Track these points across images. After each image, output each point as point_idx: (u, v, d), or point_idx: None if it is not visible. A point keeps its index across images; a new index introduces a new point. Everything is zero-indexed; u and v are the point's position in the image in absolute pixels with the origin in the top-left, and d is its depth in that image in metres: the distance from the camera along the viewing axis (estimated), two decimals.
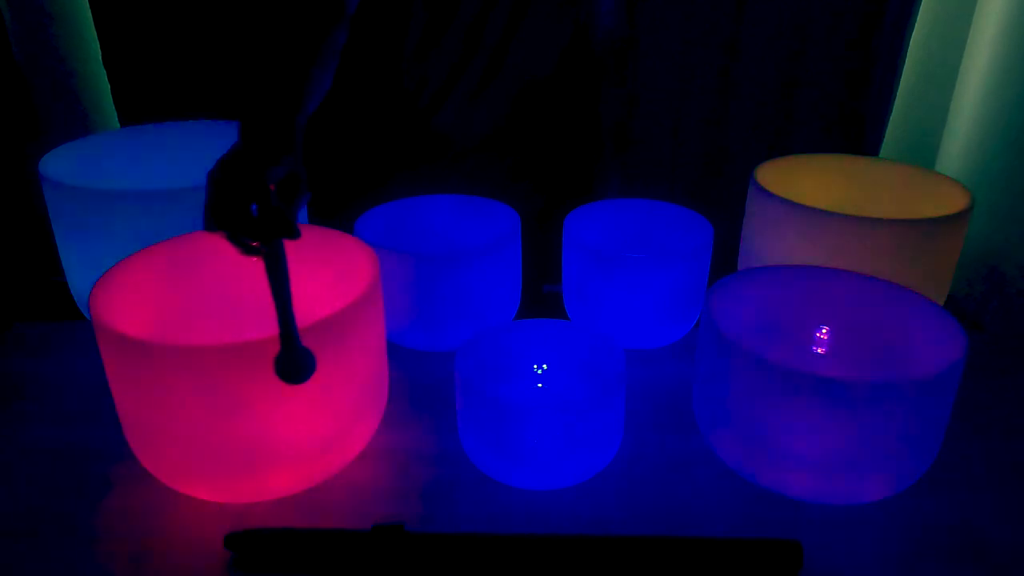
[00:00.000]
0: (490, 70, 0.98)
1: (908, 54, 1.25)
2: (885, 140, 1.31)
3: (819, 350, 0.71)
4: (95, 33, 1.28)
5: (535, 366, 0.71)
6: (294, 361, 0.52)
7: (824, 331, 0.71)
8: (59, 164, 0.77)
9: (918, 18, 1.22)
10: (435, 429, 0.69)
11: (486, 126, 1.03)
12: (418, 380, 0.76)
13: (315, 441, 0.57)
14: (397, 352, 0.79)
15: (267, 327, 0.53)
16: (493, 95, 1.00)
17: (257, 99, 0.61)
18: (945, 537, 0.58)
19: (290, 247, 0.56)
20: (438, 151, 1.05)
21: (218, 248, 0.67)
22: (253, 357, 0.51)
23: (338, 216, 0.81)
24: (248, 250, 0.56)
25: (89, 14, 1.26)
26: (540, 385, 0.71)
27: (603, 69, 1.10)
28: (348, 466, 0.63)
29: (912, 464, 0.58)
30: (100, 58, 1.29)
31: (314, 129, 1.00)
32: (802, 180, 0.90)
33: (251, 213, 0.55)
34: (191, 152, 0.91)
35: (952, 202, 0.79)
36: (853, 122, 1.27)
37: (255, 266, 0.69)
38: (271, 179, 0.56)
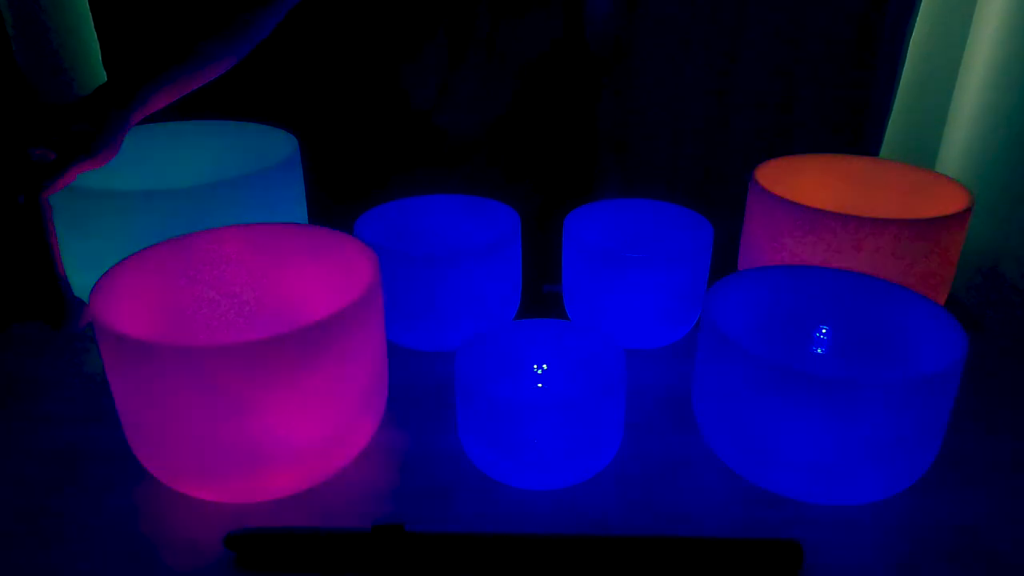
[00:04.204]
0: (486, 69, 0.98)
1: (908, 54, 1.24)
2: (885, 140, 1.31)
3: (819, 350, 0.71)
4: (95, 34, 1.28)
5: (535, 366, 0.71)
6: (65, 304, 0.49)
7: (824, 331, 0.71)
8: None
9: (918, 18, 1.22)
10: (435, 429, 0.69)
11: (484, 126, 1.03)
12: (418, 380, 0.76)
13: (315, 441, 0.57)
14: (397, 352, 0.79)
15: (267, 327, 0.53)
16: (490, 94, 1.00)
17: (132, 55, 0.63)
18: (945, 537, 0.58)
19: (290, 248, 0.56)
20: (437, 153, 1.05)
21: (218, 248, 0.68)
22: (253, 357, 0.51)
23: (338, 216, 0.81)
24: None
25: (89, 15, 1.26)
26: (540, 385, 0.71)
27: (600, 69, 1.10)
28: (348, 466, 0.63)
29: (912, 464, 0.58)
30: (100, 59, 1.29)
31: (315, 130, 1.00)
32: (802, 180, 0.90)
33: (26, 157, 0.54)
34: (191, 152, 0.91)
35: (952, 202, 0.79)
36: (853, 122, 1.26)
37: (255, 266, 0.69)
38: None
